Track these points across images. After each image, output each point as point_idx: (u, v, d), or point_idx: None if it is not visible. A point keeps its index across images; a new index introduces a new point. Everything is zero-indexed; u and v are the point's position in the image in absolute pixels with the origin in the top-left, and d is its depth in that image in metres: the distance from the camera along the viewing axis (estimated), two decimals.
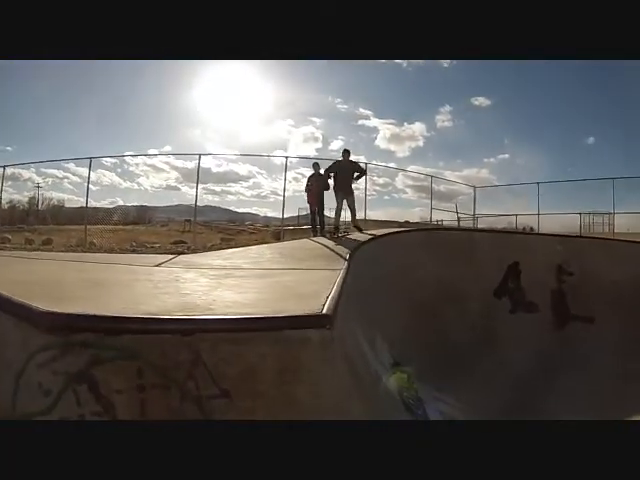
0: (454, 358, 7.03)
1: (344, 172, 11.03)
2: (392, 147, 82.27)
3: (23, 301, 2.88)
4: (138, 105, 73.34)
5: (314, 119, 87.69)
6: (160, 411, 2.45)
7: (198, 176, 14.75)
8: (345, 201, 11.09)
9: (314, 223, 12.76)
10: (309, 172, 12.51)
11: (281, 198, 15.24)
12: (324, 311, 2.86)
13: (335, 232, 10.84)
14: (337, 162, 11.36)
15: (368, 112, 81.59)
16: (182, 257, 6.82)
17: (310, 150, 66.17)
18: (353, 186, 11.52)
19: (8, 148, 58.77)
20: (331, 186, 11.41)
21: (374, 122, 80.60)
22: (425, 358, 6.23)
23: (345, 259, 5.73)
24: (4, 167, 15.74)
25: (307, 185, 12.52)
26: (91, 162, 14.64)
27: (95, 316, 2.61)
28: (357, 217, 11.89)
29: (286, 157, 20.01)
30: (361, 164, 12.19)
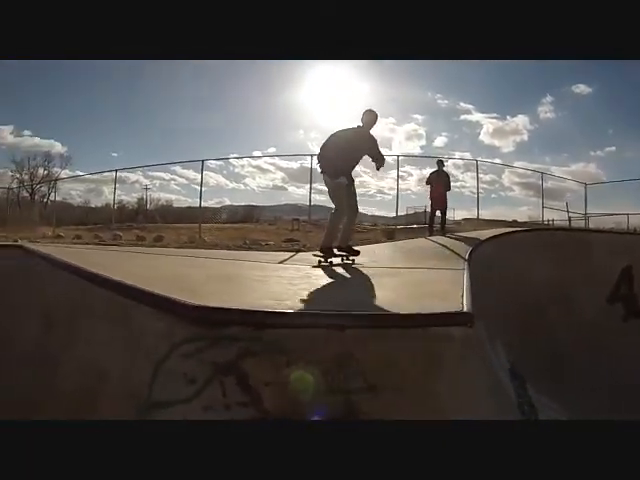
0: (562, 364, 6.71)
1: (347, 145, 6.40)
2: (496, 142, 78.84)
3: (167, 294, 2.99)
4: (240, 109, 76.49)
5: (416, 116, 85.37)
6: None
7: (311, 176, 15.52)
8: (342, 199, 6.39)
9: (432, 222, 12.62)
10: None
11: (388, 197, 15.62)
12: (465, 309, 2.83)
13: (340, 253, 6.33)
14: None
15: (469, 106, 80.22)
16: (301, 255, 6.95)
17: (414, 148, 65.28)
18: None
19: (114, 154, 63.95)
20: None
21: (476, 116, 77.17)
22: (533, 362, 5.98)
23: (464, 259, 5.64)
24: (116, 171, 17.30)
25: (427, 180, 12.41)
26: (203, 164, 15.47)
27: (246, 310, 2.70)
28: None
29: (397, 156, 19.83)
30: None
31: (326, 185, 6.51)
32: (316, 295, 3.32)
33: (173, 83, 76.60)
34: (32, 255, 6.71)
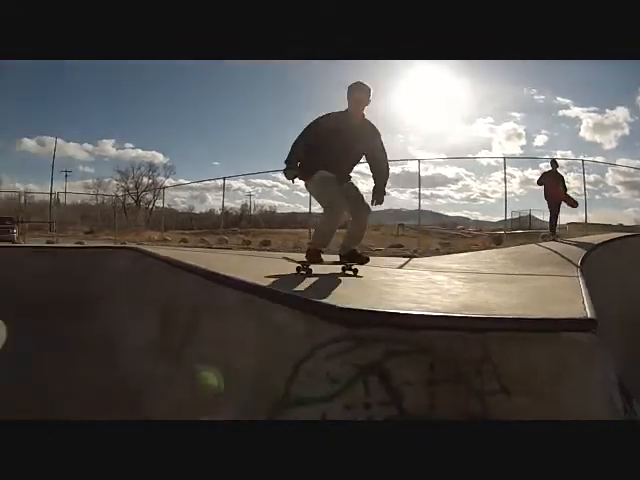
0: None
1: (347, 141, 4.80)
2: (597, 138, 76.01)
3: (310, 297, 3.29)
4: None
5: (514, 114, 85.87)
6: (447, 404, 2.58)
7: (420, 181, 16.21)
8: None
9: (552, 226, 12.34)
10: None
11: (490, 200, 15.41)
12: (589, 316, 2.88)
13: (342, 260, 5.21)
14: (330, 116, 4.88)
15: (567, 100, 78.85)
16: (415, 260, 7.13)
17: (514, 148, 63.56)
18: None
19: (215, 163, 67.58)
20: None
21: (575, 111, 75.57)
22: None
23: (577, 265, 5.62)
24: (224, 179, 18.47)
25: (539, 181, 12.13)
26: None
27: (393, 313, 2.90)
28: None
29: (504, 157, 19.87)
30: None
31: (306, 188, 5.23)
32: (449, 299, 3.47)
33: (274, 87, 78.34)
34: (148, 256, 7.31)
